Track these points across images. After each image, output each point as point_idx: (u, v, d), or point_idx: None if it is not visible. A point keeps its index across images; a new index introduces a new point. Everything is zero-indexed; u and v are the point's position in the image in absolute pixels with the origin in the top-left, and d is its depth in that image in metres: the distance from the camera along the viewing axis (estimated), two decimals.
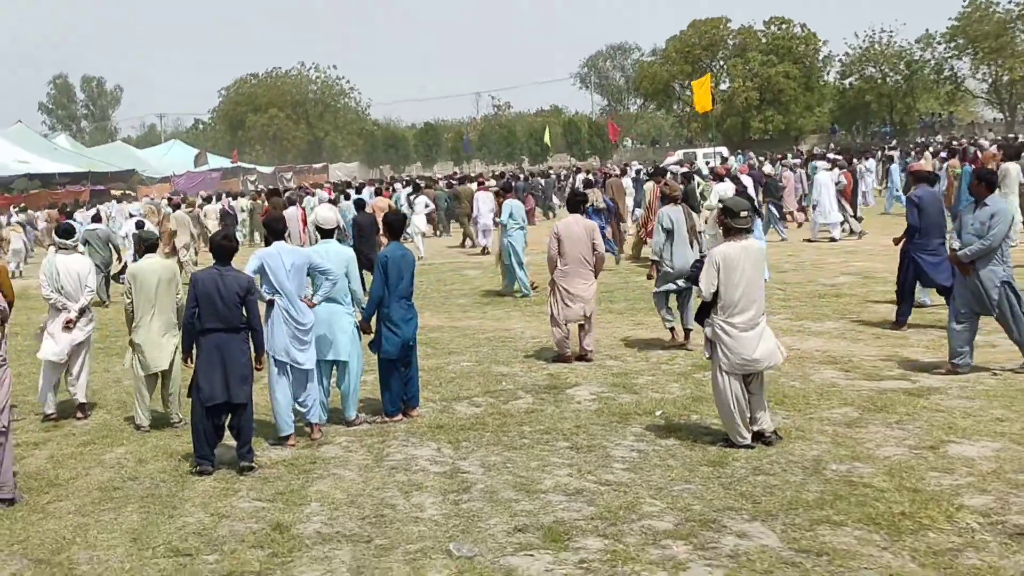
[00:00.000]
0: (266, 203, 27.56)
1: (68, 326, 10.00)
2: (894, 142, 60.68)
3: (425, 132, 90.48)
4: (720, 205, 8.39)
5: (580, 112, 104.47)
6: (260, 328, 8.37)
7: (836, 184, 23.06)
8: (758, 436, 7.96)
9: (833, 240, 22.56)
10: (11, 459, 7.70)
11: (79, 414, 10.25)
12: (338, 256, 9.26)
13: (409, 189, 33.92)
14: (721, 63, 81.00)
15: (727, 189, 18.27)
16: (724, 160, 47.03)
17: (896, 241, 12.72)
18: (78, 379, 10.24)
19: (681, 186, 14.64)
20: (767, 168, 27.49)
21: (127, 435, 9.50)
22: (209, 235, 19.26)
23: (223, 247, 8.36)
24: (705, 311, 8.10)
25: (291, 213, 20.64)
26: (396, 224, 9.65)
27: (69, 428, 9.91)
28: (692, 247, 11.82)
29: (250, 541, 6.55)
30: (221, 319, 8.14)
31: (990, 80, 74.87)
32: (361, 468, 8.04)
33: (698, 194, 21.32)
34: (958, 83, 77.00)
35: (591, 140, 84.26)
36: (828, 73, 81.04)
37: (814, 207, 23.30)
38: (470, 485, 7.44)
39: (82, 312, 10.09)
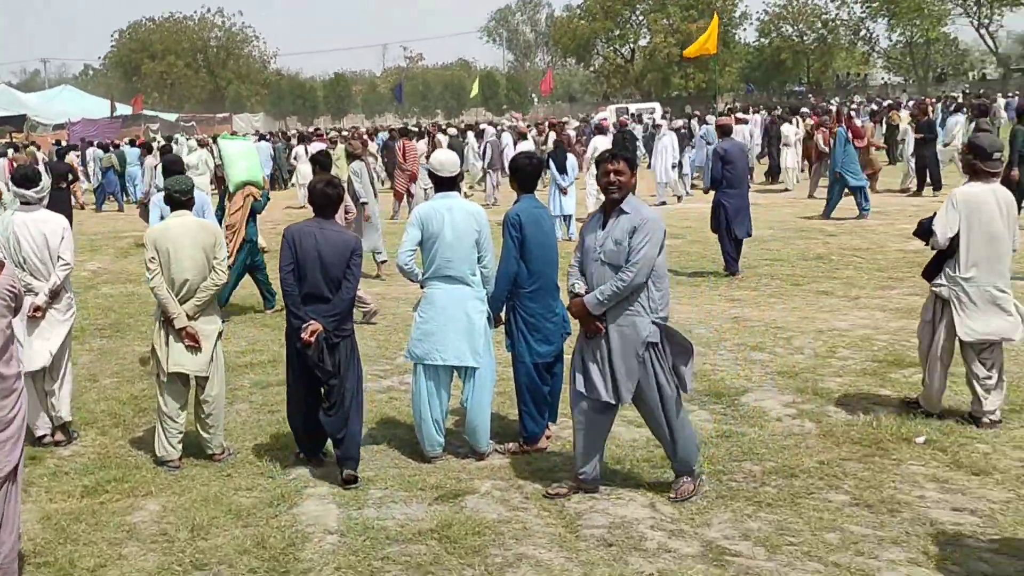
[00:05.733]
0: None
1: (34, 315, 6.85)
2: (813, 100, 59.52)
3: (336, 83, 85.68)
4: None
5: (487, 66, 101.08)
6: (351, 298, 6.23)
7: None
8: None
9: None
10: (17, 516, 4.69)
11: (59, 436, 7.14)
12: (465, 215, 6.38)
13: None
14: (640, 17, 78.51)
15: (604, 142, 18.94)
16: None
17: (706, 191, 14.39)
18: (60, 389, 7.11)
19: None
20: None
21: (149, 475, 6.44)
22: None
23: (327, 195, 6.22)
24: (937, 265, 6.85)
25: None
26: (530, 171, 6.73)
27: (54, 461, 6.79)
28: None
29: None
30: (318, 288, 6.07)
31: (904, 41, 74.57)
32: (559, 544, 5.22)
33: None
34: (872, 44, 76.90)
35: (507, 94, 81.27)
36: (744, 30, 79.43)
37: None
38: None
39: (55, 294, 6.95)
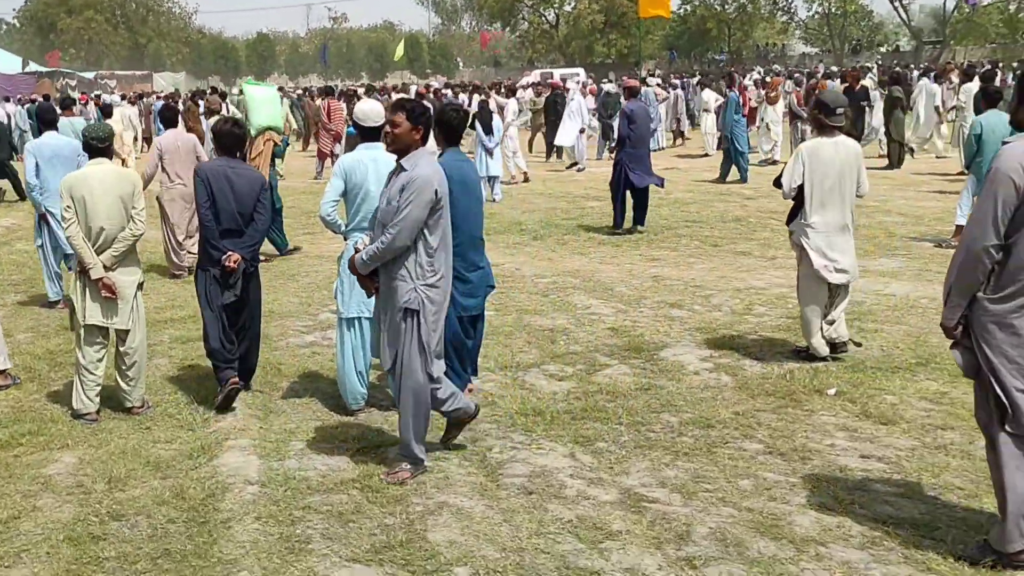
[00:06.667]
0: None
1: None
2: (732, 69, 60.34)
3: (259, 42, 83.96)
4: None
5: (413, 29, 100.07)
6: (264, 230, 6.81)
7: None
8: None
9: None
10: None
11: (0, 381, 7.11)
12: (390, 166, 6.33)
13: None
14: None
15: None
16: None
17: (611, 151, 15.18)
18: None
19: None
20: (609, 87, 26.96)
21: (66, 429, 6.34)
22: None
23: (234, 135, 6.72)
24: (795, 213, 7.34)
25: None
26: (456, 124, 6.66)
27: None
28: None
29: None
30: (234, 222, 6.56)
31: (821, 13, 75.63)
32: (480, 493, 5.29)
33: None
34: (791, 15, 77.90)
35: (433, 59, 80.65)
36: None
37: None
38: (686, 528, 4.81)
39: None
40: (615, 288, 10.08)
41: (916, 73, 40.48)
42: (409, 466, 5.46)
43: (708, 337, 8.16)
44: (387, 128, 5.39)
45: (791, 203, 7.41)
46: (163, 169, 10.76)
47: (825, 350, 7.35)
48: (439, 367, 5.49)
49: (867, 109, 19.87)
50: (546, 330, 8.50)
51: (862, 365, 7.21)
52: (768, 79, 28.60)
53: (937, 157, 20.37)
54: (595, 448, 5.85)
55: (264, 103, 11.68)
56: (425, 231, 5.20)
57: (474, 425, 6.21)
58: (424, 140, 5.40)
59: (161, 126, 29.74)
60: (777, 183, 7.48)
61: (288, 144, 11.41)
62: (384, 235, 5.18)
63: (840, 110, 7.28)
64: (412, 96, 25.91)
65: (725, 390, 6.86)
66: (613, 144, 23.57)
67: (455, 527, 4.86)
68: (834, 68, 44.82)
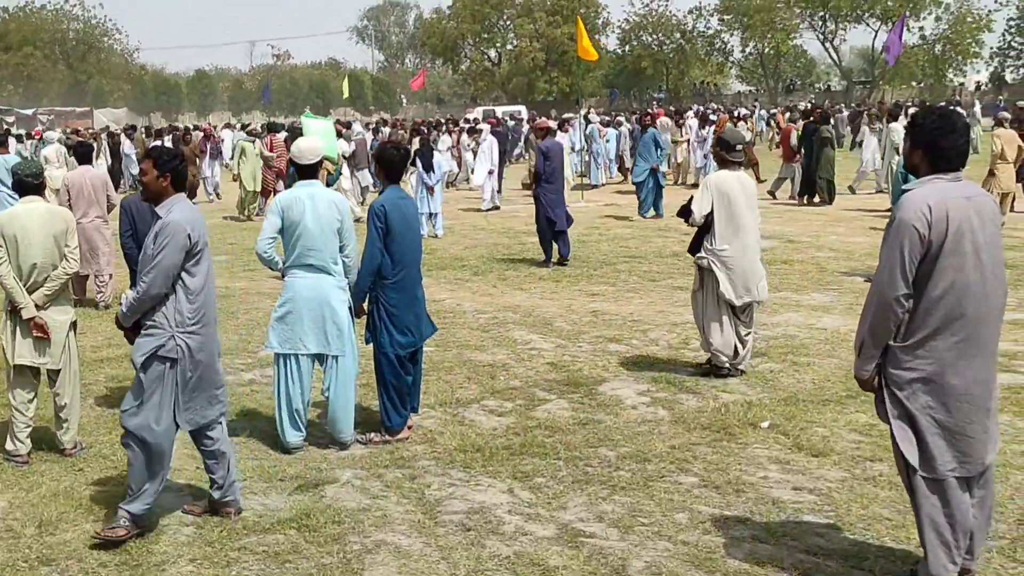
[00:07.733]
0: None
1: None
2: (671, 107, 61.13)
3: (198, 80, 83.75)
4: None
5: (357, 66, 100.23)
6: None
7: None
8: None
9: None
10: None
11: None
12: (327, 204, 6.39)
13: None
14: (508, 22, 79.33)
15: None
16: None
17: (525, 186, 15.98)
18: None
19: None
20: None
21: None
22: None
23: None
24: (698, 241, 7.94)
25: None
26: (397, 162, 6.73)
27: None
28: None
29: None
30: None
31: (756, 53, 77.14)
32: (418, 530, 5.28)
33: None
34: (727, 55, 79.45)
35: (376, 95, 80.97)
36: (607, 37, 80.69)
37: None
38: (622, 563, 4.85)
39: None
40: (554, 323, 10.17)
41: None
42: (128, 522, 5.13)
43: (645, 371, 8.27)
44: (140, 177, 5.32)
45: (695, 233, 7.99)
46: (69, 205, 10.73)
47: (729, 352, 7.87)
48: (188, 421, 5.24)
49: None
50: (486, 365, 8.54)
51: (795, 398, 7.35)
52: (715, 116, 29.29)
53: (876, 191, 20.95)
54: (533, 484, 5.88)
55: (320, 135, 12.05)
56: (184, 276, 5.06)
57: (413, 462, 6.23)
58: (176, 186, 5.23)
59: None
60: (681, 213, 8.09)
61: (340, 174, 12.59)
62: (139, 283, 5.04)
63: (739, 147, 8.02)
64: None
65: (662, 424, 6.94)
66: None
67: (392, 565, 4.86)
68: (772, 108, 45.64)
